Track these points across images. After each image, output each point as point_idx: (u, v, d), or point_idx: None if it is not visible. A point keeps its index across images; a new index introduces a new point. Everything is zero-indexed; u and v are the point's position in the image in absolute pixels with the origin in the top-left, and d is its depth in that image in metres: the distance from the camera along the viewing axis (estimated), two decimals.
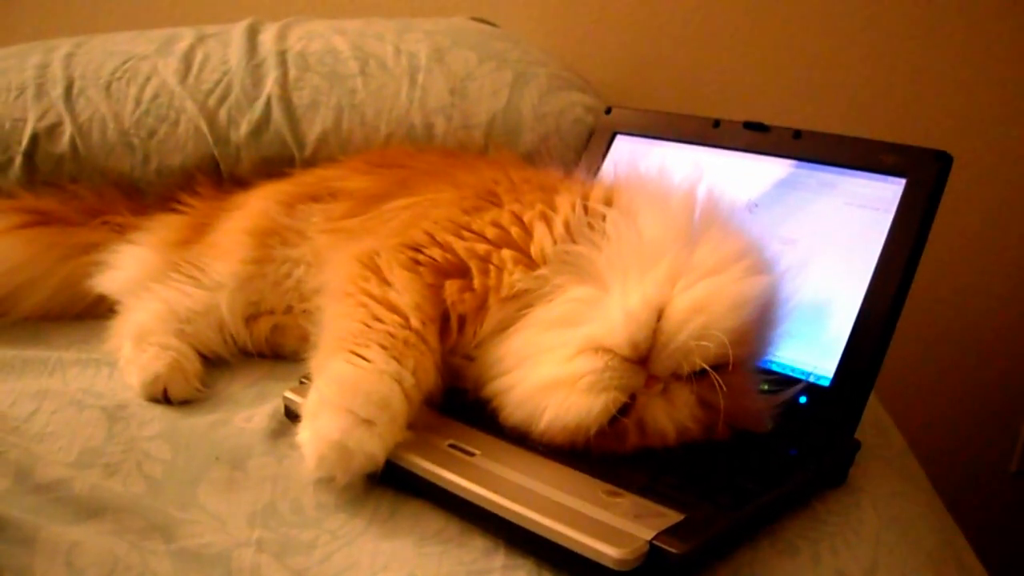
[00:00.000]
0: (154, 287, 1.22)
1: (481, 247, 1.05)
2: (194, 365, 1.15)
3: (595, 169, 1.36)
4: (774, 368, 1.11)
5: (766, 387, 1.06)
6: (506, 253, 1.04)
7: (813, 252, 1.13)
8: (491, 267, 1.04)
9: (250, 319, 1.24)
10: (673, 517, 0.85)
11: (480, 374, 1.03)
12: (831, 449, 1.05)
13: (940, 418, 2.02)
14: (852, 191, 1.18)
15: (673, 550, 0.81)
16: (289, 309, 1.23)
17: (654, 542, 0.82)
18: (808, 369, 1.12)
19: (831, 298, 1.13)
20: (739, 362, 0.97)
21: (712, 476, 0.94)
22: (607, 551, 0.80)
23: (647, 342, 0.93)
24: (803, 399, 1.09)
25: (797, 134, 1.25)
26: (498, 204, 1.10)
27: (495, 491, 0.89)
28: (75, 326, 1.30)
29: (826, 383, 1.11)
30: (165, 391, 1.11)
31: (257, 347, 1.24)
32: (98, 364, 1.19)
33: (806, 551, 0.92)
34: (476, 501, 0.89)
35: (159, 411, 1.10)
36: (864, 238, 1.14)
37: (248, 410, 1.10)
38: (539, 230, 1.04)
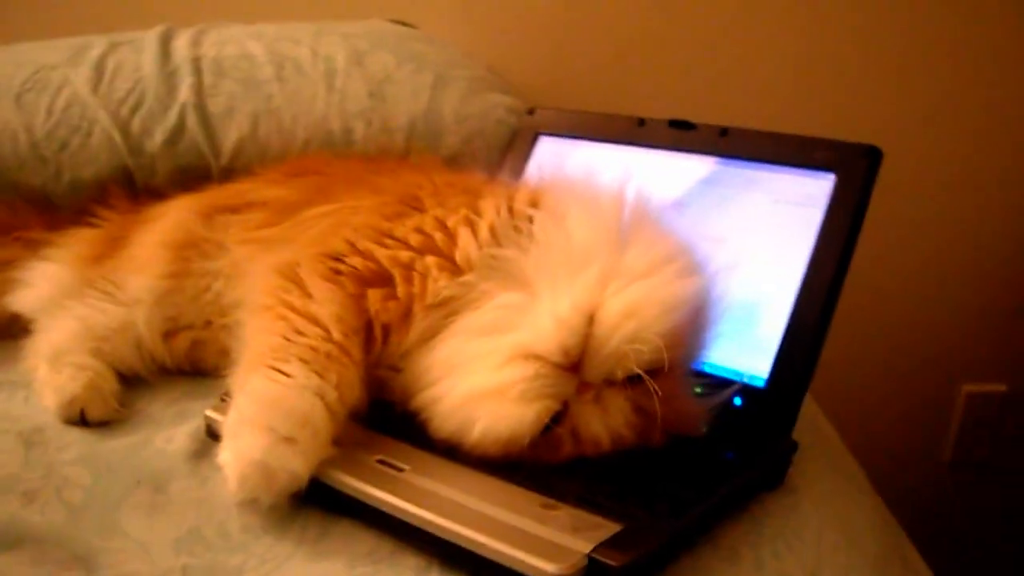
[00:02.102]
0: (69, 304, 1.18)
1: (404, 254, 1.02)
2: (112, 385, 1.11)
3: (519, 171, 1.34)
4: (707, 370, 1.10)
5: (699, 390, 1.04)
6: (430, 259, 1.01)
7: (743, 250, 1.12)
8: (415, 274, 1.01)
9: (168, 335, 1.19)
10: (611, 528, 0.83)
11: (407, 385, 1.00)
12: (768, 451, 1.04)
13: (872, 411, 2.04)
14: (781, 188, 1.17)
15: (612, 563, 0.79)
16: (208, 324, 1.19)
17: (592, 555, 0.79)
18: (741, 370, 1.11)
19: (762, 297, 1.12)
20: (673, 366, 0.95)
21: (649, 484, 0.93)
22: (544, 567, 0.78)
23: (579, 348, 0.91)
24: (738, 401, 1.08)
25: (724, 131, 1.24)
26: (421, 209, 1.07)
27: (426, 508, 0.86)
28: None
29: (761, 384, 1.09)
30: (82, 413, 1.07)
31: (176, 363, 1.20)
32: (13, 386, 1.14)
33: (748, 556, 0.91)
34: (407, 519, 0.86)
35: (77, 434, 1.05)
36: (794, 235, 1.13)
37: (168, 430, 1.06)
38: (464, 235, 1.02)
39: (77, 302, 1.18)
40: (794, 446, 1.06)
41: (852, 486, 1.13)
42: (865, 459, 1.20)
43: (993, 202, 1.97)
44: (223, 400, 1.03)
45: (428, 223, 1.04)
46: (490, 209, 1.04)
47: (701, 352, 1.03)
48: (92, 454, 1.02)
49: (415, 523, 0.86)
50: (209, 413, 1.02)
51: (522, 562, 0.79)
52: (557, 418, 0.92)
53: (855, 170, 1.12)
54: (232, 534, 0.91)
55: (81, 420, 1.07)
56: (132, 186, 1.40)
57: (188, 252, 1.20)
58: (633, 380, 0.93)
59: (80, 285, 1.20)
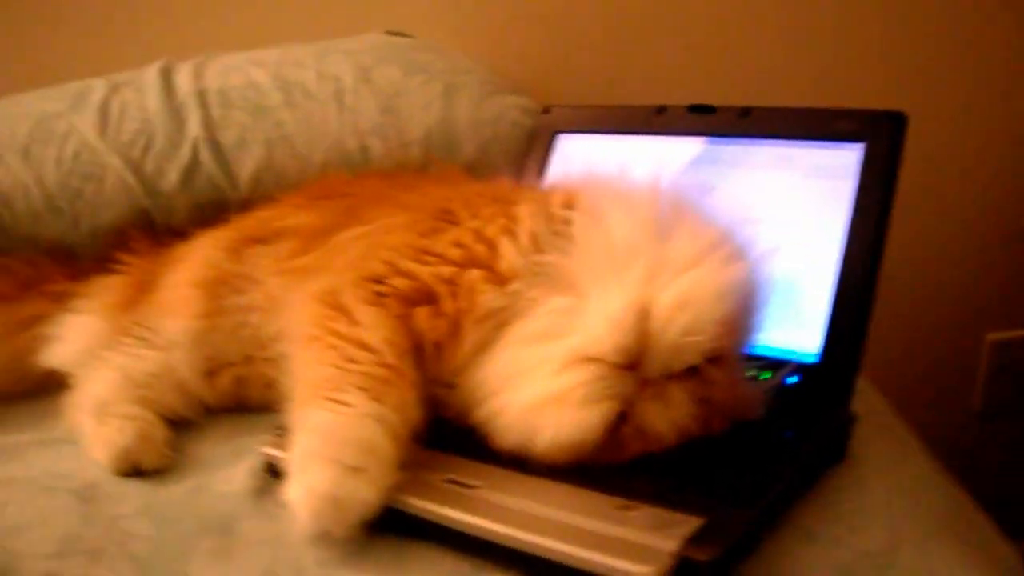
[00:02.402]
0: (106, 355, 1.16)
1: (446, 270, 1.01)
2: (161, 432, 1.10)
3: (540, 173, 1.33)
4: (758, 353, 1.08)
5: (753, 373, 1.04)
6: (474, 273, 1.00)
7: (780, 229, 1.12)
8: (460, 289, 1.00)
9: (210, 374, 1.18)
10: (693, 523, 0.82)
11: (464, 400, 0.99)
12: (828, 426, 1.03)
13: (899, 368, 2.02)
14: (810, 162, 1.17)
15: (701, 558, 0.78)
16: (249, 359, 1.18)
17: (680, 553, 0.78)
18: (792, 348, 1.10)
19: (804, 272, 1.11)
20: (728, 352, 0.95)
21: (716, 473, 0.92)
22: (633, 570, 0.77)
23: (636, 346, 0.90)
24: (792, 379, 1.07)
25: (746, 112, 1.23)
26: (455, 222, 1.06)
27: (505, 523, 0.85)
28: (27, 406, 1.22)
29: (813, 359, 1.09)
30: (136, 464, 1.05)
31: (220, 402, 1.18)
32: (58, 443, 1.12)
33: (824, 534, 0.91)
34: (486, 536, 0.85)
35: (132, 485, 1.04)
36: (829, 207, 1.13)
37: (225, 471, 1.05)
38: (504, 244, 1.01)
39: (114, 352, 1.17)
40: (852, 418, 1.06)
41: (910, 452, 1.12)
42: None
43: (1012, 156, 1.96)
44: (278, 435, 1.01)
45: (466, 236, 1.03)
46: (527, 216, 1.03)
47: (753, 336, 1.02)
48: (152, 504, 1.00)
49: (495, 540, 0.85)
50: (267, 449, 1.01)
51: (610, 567, 0.79)
52: (621, 418, 0.91)
53: (883, 137, 1.12)
54: (308, 570, 0.89)
55: (135, 471, 1.05)
56: (152, 227, 1.38)
57: (219, 289, 1.18)
58: (690, 371, 0.92)
59: (114, 334, 1.19)
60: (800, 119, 1.19)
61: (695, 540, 0.80)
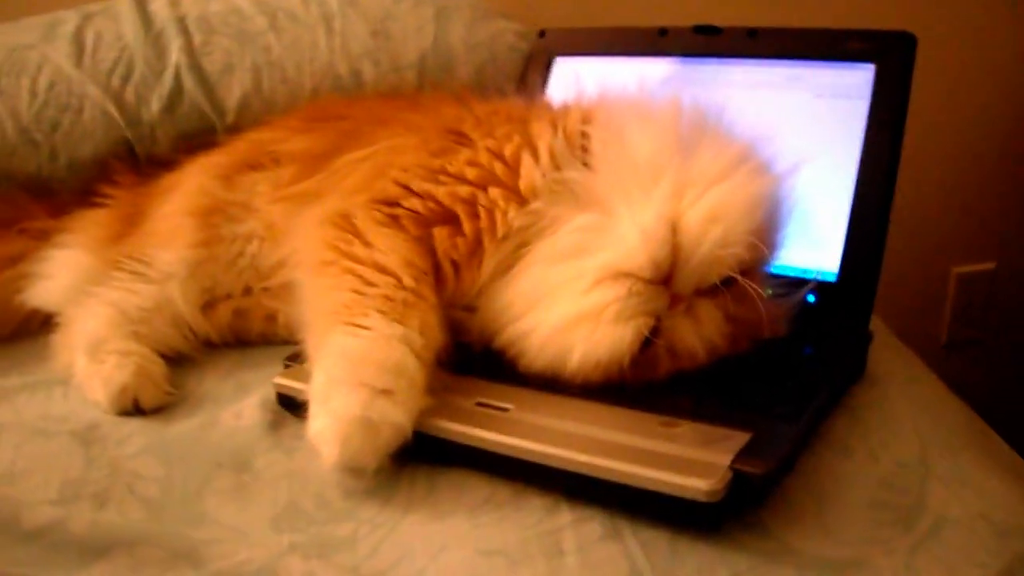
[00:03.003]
0: (96, 291, 1.10)
1: (464, 189, 0.98)
2: (160, 368, 1.05)
3: (538, 96, 1.29)
4: (778, 272, 1.07)
5: (771, 291, 1.02)
6: (494, 192, 0.97)
7: (793, 148, 1.10)
8: (480, 208, 0.97)
9: (207, 307, 1.13)
10: (741, 438, 0.81)
11: (488, 323, 0.97)
12: (850, 343, 1.03)
13: None
14: (821, 82, 1.15)
15: (756, 471, 0.77)
16: (248, 290, 1.14)
17: (734, 466, 0.76)
18: (810, 267, 1.09)
19: (820, 192, 1.09)
20: (756, 267, 0.94)
21: (751, 389, 0.91)
22: (695, 484, 0.75)
23: (669, 260, 0.88)
24: (811, 297, 1.06)
25: (752, 32, 1.21)
26: (467, 143, 1.03)
27: (546, 442, 0.82)
28: (9, 349, 1.15)
29: (832, 278, 1.08)
30: (136, 401, 1.00)
31: (220, 336, 1.14)
32: (48, 385, 1.06)
33: (860, 449, 0.91)
34: (526, 456, 0.82)
35: (135, 424, 0.98)
36: (841, 126, 1.11)
37: (233, 406, 1.00)
38: (526, 162, 0.98)
39: (105, 287, 1.10)
40: (870, 336, 1.06)
41: (922, 371, 1.14)
42: None
43: (980, 92, 1.96)
44: (287, 365, 0.98)
45: (482, 155, 1.00)
46: (544, 133, 1.00)
47: (778, 251, 1.00)
48: (158, 443, 0.95)
49: (536, 459, 0.82)
50: (280, 380, 0.96)
51: (668, 483, 0.76)
52: (653, 335, 0.89)
53: (894, 58, 1.10)
54: (333, 503, 0.85)
55: (135, 409, 1.00)
56: (134, 159, 1.32)
57: (214, 218, 1.14)
58: (720, 288, 0.91)
59: (103, 269, 1.13)
60: (809, 40, 1.17)
61: (747, 453, 0.78)
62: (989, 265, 2.11)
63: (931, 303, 2.13)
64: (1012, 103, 1.98)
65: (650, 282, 0.88)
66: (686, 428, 0.84)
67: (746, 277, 0.91)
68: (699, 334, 0.91)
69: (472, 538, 0.80)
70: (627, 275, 0.89)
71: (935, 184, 1.99)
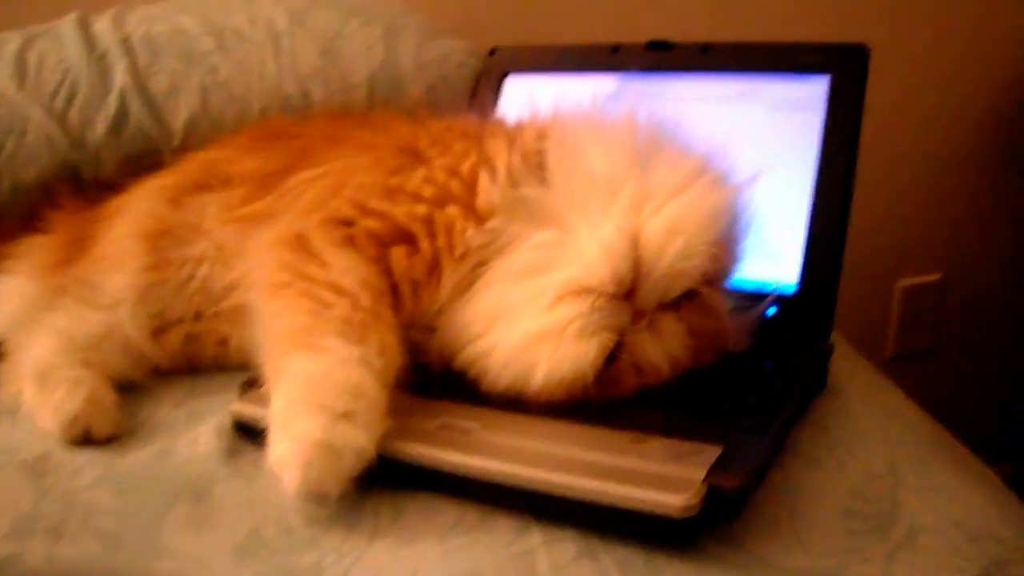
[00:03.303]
0: (44, 317, 1.07)
1: (421, 208, 0.97)
2: (111, 395, 1.01)
3: (489, 115, 1.28)
4: (737, 286, 1.06)
5: (732, 305, 1.02)
6: (451, 210, 0.96)
7: (749, 161, 1.11)
8: (437, 227, 0.96)
9: (158, 332, 1.10)
10: (712, 452, 0.80)
11: (447, 343, 0.96)
12: (813, 356, 1.03)
13: None
14: (776, 95, 1.15)
15: (729, 484, 0.76)
16: (200, 315, 1.11)
17: (709, 480, 0.76)
18: (768, 280, 1.09)
19: (777, 204, 1.09)
20: (718, 279, 0.94)
21: (716, 403, 0.90)
22: (669, 500, 0.74)
23: (631, 274, 0.87)
24: (771, 310, 1.05)
25: (705, 48, 1.21)
26: (423, 161, 1.01)
27: (514, 462, 0.80)
28: None
29: (791, 291, 1.08)
30: (88, 430, 0.97)
31: (171, 362, 1.10)
32: None
33: (828, 460, 0.90)
34: (499, 479, 0.81)
35: (88, 455, 0.95)
36: (797, 139, 1.11)
37: (188, 433, 0.97)
38: (482, 179, 0.97)
39: (52, 313, 1.07)
40: (832, 348, 1.05)
41: (882, 382, 1.14)
42: None
43: (918, 104, 1.98)
44: (244, 391, 0.96)
45: (438, 173, 0.99)
46: (500, 150, 0.99)
47: (738, 264, 1.00)
48: (112, 474, 0.92)
49: (509, 481, 0.80)
50: (237, 406, 0.94)
51: (642, 500, 0.75)
52: (616, 351, 0.89)
53: (848, 69, 1.11)
54: (296, 531, 0.83)
55: (87, 439, 0.97)
56: (80, 182, 1.29)
57: (164, 241, 1.11)
58: (682, 301, 0.91)
59: (50, 295, 1.09)
60: (762, 53, 1.18)
61: (718, 467, 0.78)
62: (934, 277, 2.13)
63: (877, 316, 2.15)
64: (956, 117, 2.01)
65: (612, 297, 0.88)
66: (656, 444, 0.82)
67: (708, 289, 0.91)
68: (663, 348, 0.90)
69: (443, 563, 0.78)
70: (589, 290, 0.88)
71: (880, 197, 2.01)
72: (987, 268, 2.15)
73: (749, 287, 1.08)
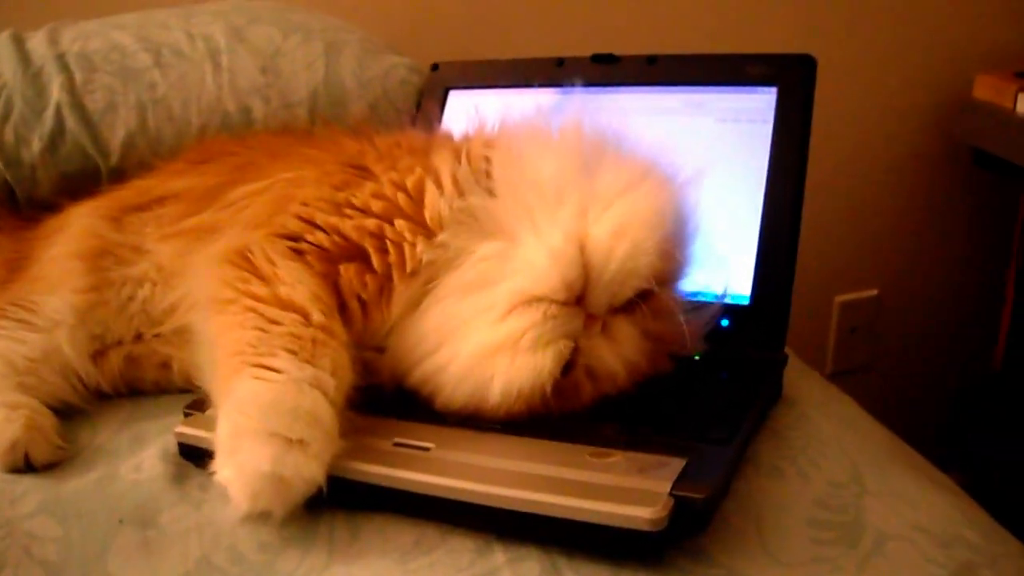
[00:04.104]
0: None
1: (371, 223, 0.94)
2: (51, 421, 0.98)
3: (432, 130, 1.27)
4: (689, 298, 1.05)
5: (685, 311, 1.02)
6: (400, 224, 0.94)
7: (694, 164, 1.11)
8: (389, 243, 0.94)
9: (98, 355, 1.07)
10: (677, 464, 0.79)
11: (398, 362, 0.93)
12: (768, 366, 1.02)
13: None
14: (723, 107, 1.15)
15: (697, 495, 0.75)
16: (140, 336, 1.08)
17: (675, 493, 0.74)
18: (720, 292, 1.07)
19: (727, 215, 1.09)
20: (668, 280, 0.93)
21: (674, 415, 0.90)
22: (637, 513, 0.73)
23: (580, 279, 0.86)
24: (725, 322, 1.05)
25: (652, 60, 1.20)
26: (370, 176, 0.99)
27: (475, 480, 0.79)
28: None
29: (744, 302, 1.08)
30: (27, 457, 0.94)
31: (112, 386, 1.07)
32: None
33: (790, 470, 0.90)
34: (459, 496, 0.79)
35: (28, 482, 0.92)
36: (745, 150, 1.11)
37: (131, 458, 0.94)
38: (429, 192, 0.95)
39: None
40: (786, 358, 1.05)
41: (834, 391, 1.14)
42: None
43: (856, 120, 2.00)
44: (188, 414, 0.93)
45: (386, 188, 0.97)
46: (446, 162, 0.98)
47: (688, 266, 0.98)
48: (53, 501, 0.89)
49: (469, 499, 0.79)
50: (182, 430, 0.91)
51: (609, 514, 0.74)
52: (572, 359, 0.87)
53: (795, 80, 1.11)
54: (248, 556, 0.81)
55: (27, 466, 0.94)
56: (14, 201, 1.25)
57: (104, 261, 1.08)
58: (635, 304, 0.89)
59: None
60: (709, 65, 1.18)
61: (685, 479, 0.77)
62: (872, 292, 2.16)
63: (815, 332, 2.16)
64: (893, 136, 2.04)
65: (564, 304, 0.86)
66: (618, 457, 0.81)
67: (660, 290, 0.90)
68: (618, 353, 0.89)
69: None
70: (540, 299, 0.87)
71: (816, 213, 2.02)
72: (923, 284, 2.18)
73: (702, 298, 1.07)
